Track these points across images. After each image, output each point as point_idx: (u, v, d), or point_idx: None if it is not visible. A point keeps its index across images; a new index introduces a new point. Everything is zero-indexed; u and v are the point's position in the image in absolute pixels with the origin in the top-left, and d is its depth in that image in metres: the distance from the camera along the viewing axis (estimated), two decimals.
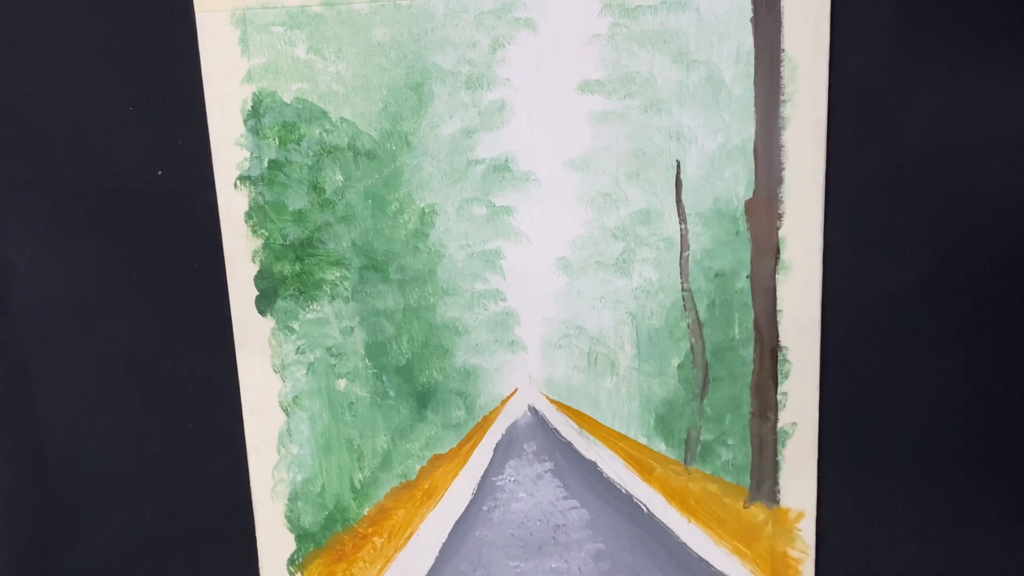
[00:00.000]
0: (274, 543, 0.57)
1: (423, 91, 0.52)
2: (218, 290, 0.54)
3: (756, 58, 0.50)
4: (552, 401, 0.56)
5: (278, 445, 0.56)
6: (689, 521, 0.56)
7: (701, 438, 0.55)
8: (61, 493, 0.57)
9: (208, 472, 0.56)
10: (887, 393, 0.54)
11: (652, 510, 0.56)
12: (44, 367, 0.55)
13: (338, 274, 0.54)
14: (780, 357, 0.54)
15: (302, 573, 0.57)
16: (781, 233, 0.52)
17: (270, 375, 0.55)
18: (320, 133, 0.52)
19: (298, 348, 0.55)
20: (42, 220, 0.53)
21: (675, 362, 0.55)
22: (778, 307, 0.53)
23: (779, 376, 0.54)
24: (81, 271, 0.54)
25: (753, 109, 0.51)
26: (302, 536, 0.57)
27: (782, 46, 0.50)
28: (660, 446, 0.56)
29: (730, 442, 0.55)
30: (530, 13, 0.51)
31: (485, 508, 0.57)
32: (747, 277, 0.53)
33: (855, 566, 0.56)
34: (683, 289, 0.53)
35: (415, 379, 0.55)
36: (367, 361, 0.55)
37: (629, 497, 0.57)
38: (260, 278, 0.54)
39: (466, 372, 0.55)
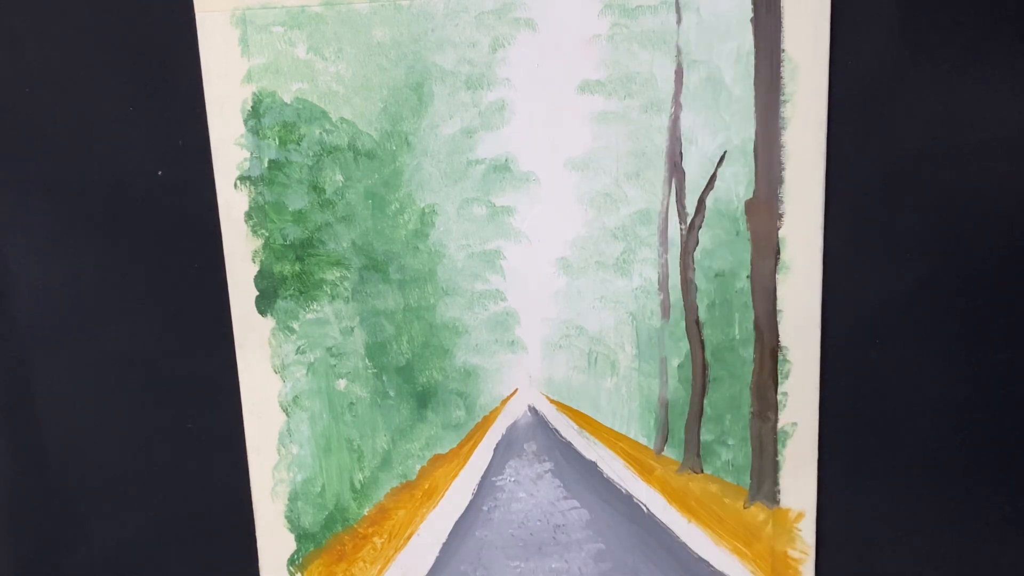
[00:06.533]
0: (274, 543, 0.57)
1: (423, 91, 0.52)
2: (218, 290, 0.54)
3: (756, 58, 0.50)
4: (552, 401, 0.56)
5: (278, 445, 0.56)
6: (689, 521, 0.56)
7: (701, 436, 0.55)
8: (61, 493, 0.57)
9: (208, 472, 0.56)
10: (887, 393, 0.54)
11: (652, 510, 0.56)
12: (44, 367, 0.55)
13: (338, 274, 0.54)
14: (780, 357, 0.54)
15: (302, 573, 0.57)
16: (781, 233, 0.52)
17: (270, 375, 0.55)
18: (320, 133, 0.52)
19: (298, 348, 0.55)
20: (42, 220, 0.53)
21: (675, 362, 0.55)
22: (778, 307, 0.53)
23: (779, 376, 0.54)
24: (81, 271, 0.54)
25: (753, 109, 0.51)
26: (302, 536, 0.57)
27: (782, 46, 0.50)
28: None
29: (730, 442, 0.55)
30: (530, 13, 0.51)
31: (485, 508, 0.57)
32: (747, 277, 0.53)
33: (855, 566, 0.56)
34: (683, 290, 0.54)
35: (415, 379, 0.55)
36: (367, 361, 0.55)
37: (629, 497, 0.57)
38: (260, 278, 0.54)
39: (466, 372, 0.55)
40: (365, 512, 0.57)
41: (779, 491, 0.55)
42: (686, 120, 0.51)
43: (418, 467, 0.57)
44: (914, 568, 0.57)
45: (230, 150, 0.52)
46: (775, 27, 0.50)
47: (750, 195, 0.52)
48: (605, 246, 0.53)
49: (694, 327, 0.54)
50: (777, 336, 0.53)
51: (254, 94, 0.52)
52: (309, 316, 0.54)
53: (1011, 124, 0.51)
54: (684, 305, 0.54)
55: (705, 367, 0.54)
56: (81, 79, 0.52)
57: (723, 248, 0.53)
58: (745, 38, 0.50)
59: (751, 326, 0.54)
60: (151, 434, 0.56)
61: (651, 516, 0.57)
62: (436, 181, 0.53)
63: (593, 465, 0.57)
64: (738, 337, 0.54)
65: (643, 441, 0.56)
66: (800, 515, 0.55)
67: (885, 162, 0.51)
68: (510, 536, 0.57)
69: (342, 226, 0.53)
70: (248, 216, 0.53)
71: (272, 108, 0.52)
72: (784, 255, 0.52)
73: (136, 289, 0.54)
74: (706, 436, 0.55)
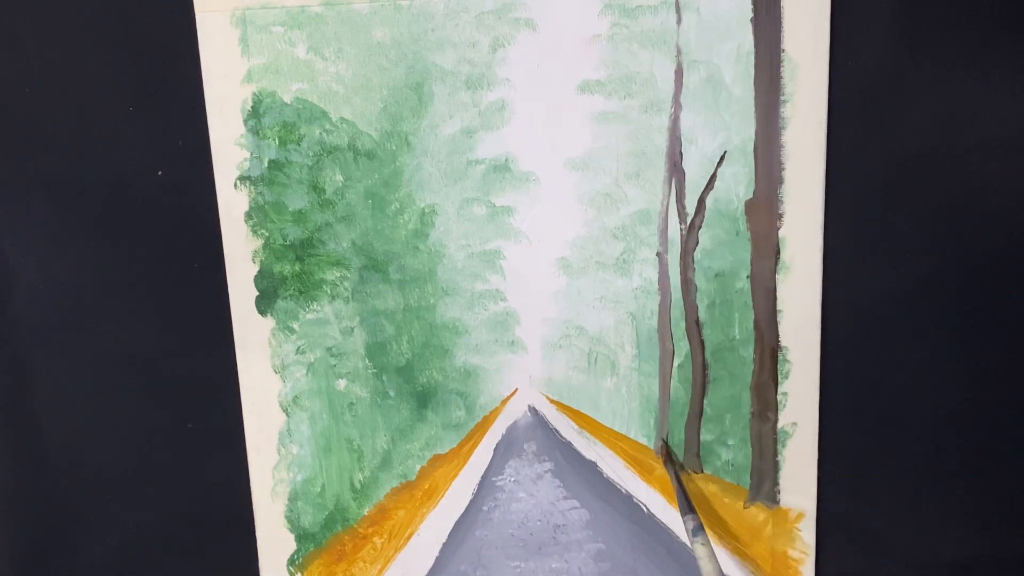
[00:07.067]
0: (274, 543, 0.57)
1: (423, 91, 0.52)
2: (218, 290, 0.54)
3: (756, 58, 0.50)
4: (552, 401, 0.56)
5: (278, 445, 0.56)
6: None
7: (701, 438, 0.55)
8: (61, 493, 0.57)
9: (208, 472, 0.56)
10: (887, 393, 0.54)
11: (652, 510, 0.56)
12: (44, 367, 0.55)
13: (338, 274, 0.54)
14: (780, 357, 0.54)
15: (302, 573, 0.57)
16: (781, 233, 0.52)
17: (270, 375, 0.55)
18: (320, 133, 0.52)
19: (298, 348, 0.55)
20: (42, 220, 0.53)
21: (675, 362, 0.55)
22: (778, 307, 0.53)
23: (779, 376, 0.54)
24: (81, 271, 0.54)
25: (753, 109, 0.51)
26: (302, 536, 0.57)
27: (782, 46, 0.50)
28: None
29: (730, 442, 0.55)
30: (530, 13, 0.51)
31: (485, 508, 0.57)
32: (747, 277, 0.53)
33: (855, 566, 0.56)
34: (683, 290, 0.54)
35: (415, 379, 0.55)
36: (367, 361, 0.55)
37: (629, 497, 0.57)
38: (260, 278, 0.54)
39: (466, 372, 0.55)
40: (365, 512, 0.57)
41: (779, 491, 0.55)
42: (686, 120, 0.51)
43: (418, 467, 0.57)
44: (914, 568, 0.57)
45: (230, 150, 0.52)
46: (775, 27, 0.50)
47: (750, 195, 0.52)
48: (605, 246, 0.53)
49: (694, 327, 0.54)
50: (777, 336, 0.53)
51: (254, 94, 0.52)
52: (309, 316, 0.54)
53: (1011, 124, 0.51)
54: (684, 305, 0.54)
55: (705, 367, 0.54)
56: (81, 79, 0.52)
57: (723, 248, 0.53)
58: (745, 38, 0.50)
59: (751, 326, 0.54)
60: (151, 434, 0.56)
61: (651, 516, 0.57)
62: (436, 181, 0.53)
63: (593, 465, 0.57)
64: (738, 337, 0.54)
65: (643, 441, 0.56)
66: (800, 515, 0.55)
67: (885, 162, 0.51)
68: (510, 536, 0.57)
69: (342, 226, 0.53)
70: (248, 216, 0.53)
71: (272, 108, 0.52)
72: (784, 255, 0.52)
73: (136, 289, 0.54)
74: (706, 436, 0.55)
